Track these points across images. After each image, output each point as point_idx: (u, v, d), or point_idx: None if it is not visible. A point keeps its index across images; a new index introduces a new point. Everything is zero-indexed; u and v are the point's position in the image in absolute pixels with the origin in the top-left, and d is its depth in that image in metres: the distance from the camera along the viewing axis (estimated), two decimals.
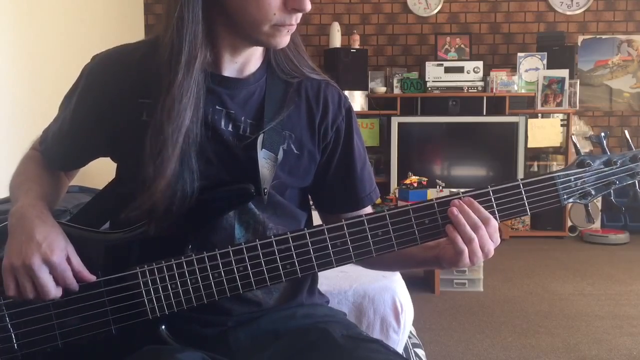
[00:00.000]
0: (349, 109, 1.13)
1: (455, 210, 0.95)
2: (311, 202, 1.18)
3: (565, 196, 0.97)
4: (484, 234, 0.94)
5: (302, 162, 1.08)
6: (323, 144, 1.10)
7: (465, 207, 0.95)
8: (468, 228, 0.94)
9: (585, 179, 0.98)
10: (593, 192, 0.98)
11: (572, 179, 0.98)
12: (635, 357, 2.63)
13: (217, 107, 1.01)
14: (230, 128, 1.02)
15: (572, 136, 1.09)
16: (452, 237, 0.95)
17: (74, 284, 0.95)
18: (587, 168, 0.98)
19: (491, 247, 0.95)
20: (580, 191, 0.98)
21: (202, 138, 0.98)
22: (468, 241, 0.94)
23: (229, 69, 1.03)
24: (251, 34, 0.96)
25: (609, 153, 0.99)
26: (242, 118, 1.03)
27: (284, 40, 0.98)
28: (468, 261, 0.95)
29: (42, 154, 1.12)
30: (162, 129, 0.93)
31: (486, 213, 0.95)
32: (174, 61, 0.93)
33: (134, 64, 1.01)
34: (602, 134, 1.00)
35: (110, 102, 1.01)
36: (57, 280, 0.95)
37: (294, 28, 0.98)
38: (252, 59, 1.04)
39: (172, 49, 0.93)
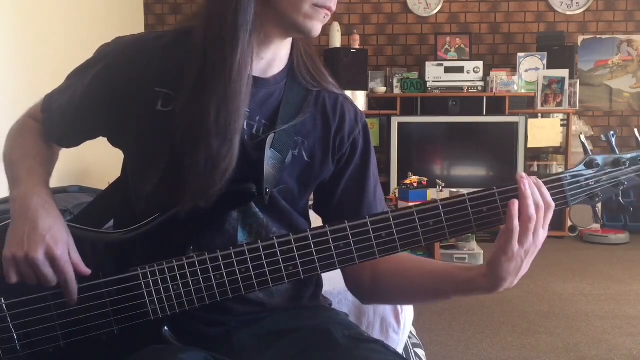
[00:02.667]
0: (365, 125, 1.14)
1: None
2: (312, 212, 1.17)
3: (572, 197, 0.94)
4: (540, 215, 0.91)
5: (313, 170, 1.07)
6: (338, 154, 1.09)
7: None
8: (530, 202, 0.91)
9: (593, 179, 0.94)
10: (601, 194, 0.94)
11: (580, 180, 0.94)
12: (635, 357, 2.63)
13: None
14: (244, 127, 1.01)
15: (580, 135, 1.05)
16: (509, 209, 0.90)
17: (73, 278, 0.95)
18: (595, 169, 0.95)
19: (540, 235, 0.91)
20: (587, 192, 0.94)
21: None
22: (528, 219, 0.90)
23: (254, 68, 1.01)
24: (290, 15, 0.95)
25: (617, 152, 0.96)
26: (257, 118, 1.02)
27: (318, 26, 0.98)
28: (516, 242, 0.90)
29: (43, 122, 1.10)
30: (233, 101, 0.93)
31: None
32: (230, 36, 0.92)
33: (157, 52, 1.01)
34: (611, 133, 0.96)
35: (126, 87, 1.00)
36: (58, 274, 0.94)
37: (329, 16, 0.98)
38: (277, 59, 1.04)
39: (225, 23, 0.92)
